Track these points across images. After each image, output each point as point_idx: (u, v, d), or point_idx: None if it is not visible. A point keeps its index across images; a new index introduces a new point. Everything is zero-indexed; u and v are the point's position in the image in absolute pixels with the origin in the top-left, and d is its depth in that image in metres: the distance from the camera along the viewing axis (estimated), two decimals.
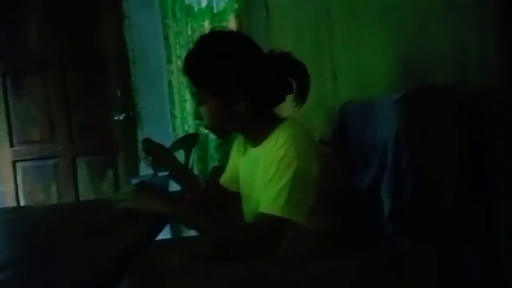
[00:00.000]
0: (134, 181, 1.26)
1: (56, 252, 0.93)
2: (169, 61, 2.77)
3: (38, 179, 2.85)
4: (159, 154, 1.39)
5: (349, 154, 1.16)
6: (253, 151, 1.18)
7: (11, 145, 2.82)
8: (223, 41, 1.12)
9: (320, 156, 1.10)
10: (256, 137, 1.15)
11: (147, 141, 1.40)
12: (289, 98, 1.15)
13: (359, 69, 1.36)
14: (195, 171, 2.51)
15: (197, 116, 1.19)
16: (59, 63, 2.82)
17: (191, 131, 2.67)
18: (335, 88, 1.49)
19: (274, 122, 1.12)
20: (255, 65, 1.10)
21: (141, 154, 1.32)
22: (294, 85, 1.12)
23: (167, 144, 2.40)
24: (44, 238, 1.07)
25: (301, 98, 1.11)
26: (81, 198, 2.82)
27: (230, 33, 1.18)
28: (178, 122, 2.77)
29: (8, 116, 2.80)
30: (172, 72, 2.76)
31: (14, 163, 2.83)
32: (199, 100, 1.14)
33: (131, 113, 2.81)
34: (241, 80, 1.08)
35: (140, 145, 2.68)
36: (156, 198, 1.11)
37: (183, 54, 2.70)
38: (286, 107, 1.17)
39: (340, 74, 1.48)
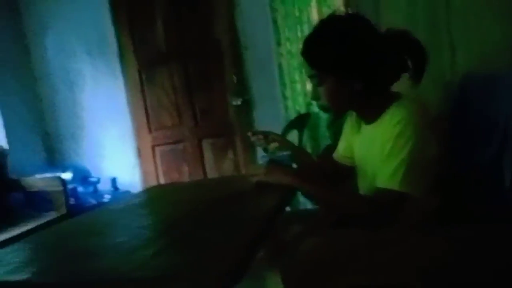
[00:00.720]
0: (263, 159, 1.41)
1: (204, 219, 1.10)
2: (278, 43, 2.85)
3: (172, 160, 3.23)
4: (272, 137, 1.51)
5: (468, 130, 1.14)
6: (368, 128, 1.22)
7: (150, 131, 3.24)
8: (341, 24, 1.15)
9: (437, 133, 1.10)
10: (371, 114, 1.19)
11: (255, 132, 1.52)
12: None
13: (479, 41, 1.29)
14: (308, 150, 2.60)
15: (314, 97, 1.24)
16: (181, 54, 3.11)
17: (302, 111, 2.75)
18: (453, 61, 1.43)
19: (389, 99, 1.14)
20: (372, 46, 1.12)
21: (253, 142, 1.44)
22: (410, 64, 1.12)
23: (281, 125, 2.54)
24: (194, 207, 1.25)
25: (416, 78, 1.12)
26: (208, 177, 3.11)
27: (348, 16, 1.19)
28: (289, 103, 2.86)
29: (145, 105, 3.22)
30: (281, 54, 2.85)
31: (153, 147, 3.26)
32: (317, 81, 1.19)
33: (245, 97, 2.98)
34: (358, 61, 1.12)
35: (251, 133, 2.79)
36: (287, 173, 1.25)
37: (292, 36, 2.76)
38: (401, 82, 1.17)
39: (458, 46, 1.41)
